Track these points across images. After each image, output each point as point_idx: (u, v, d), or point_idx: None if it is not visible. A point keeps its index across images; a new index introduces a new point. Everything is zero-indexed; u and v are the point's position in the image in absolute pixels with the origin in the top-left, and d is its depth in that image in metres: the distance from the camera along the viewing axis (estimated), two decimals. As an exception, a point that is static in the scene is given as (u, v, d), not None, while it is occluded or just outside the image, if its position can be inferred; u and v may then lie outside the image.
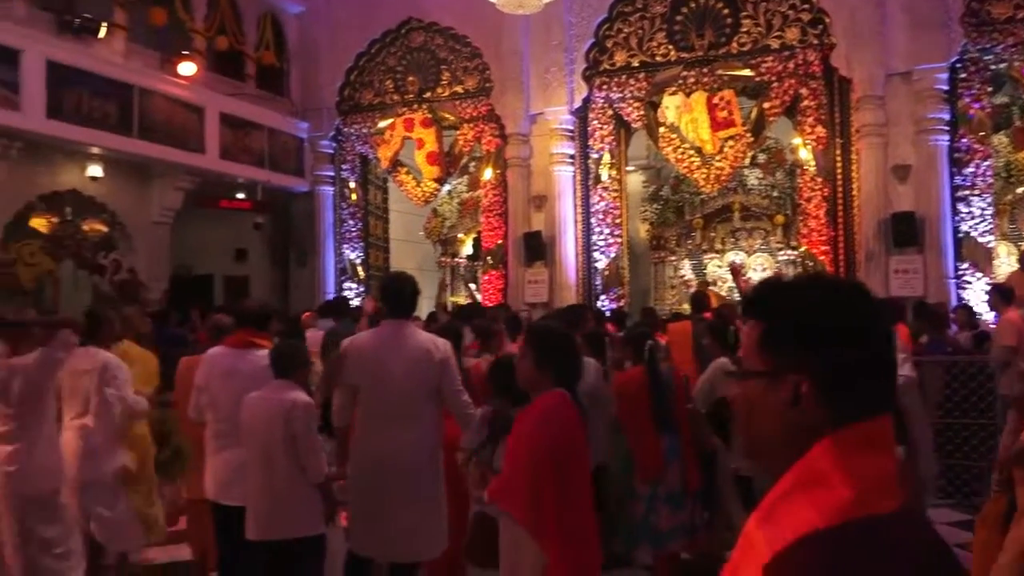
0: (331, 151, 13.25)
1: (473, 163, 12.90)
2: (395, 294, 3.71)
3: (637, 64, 11.37)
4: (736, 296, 10.63)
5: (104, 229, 10.92)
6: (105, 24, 9.96)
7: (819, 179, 10.44)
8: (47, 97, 8.98)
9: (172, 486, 5.58)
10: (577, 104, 11.60)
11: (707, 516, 4.81)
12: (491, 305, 10.35)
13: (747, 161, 11.45)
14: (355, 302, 12.30)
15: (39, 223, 10.17)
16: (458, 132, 12.46)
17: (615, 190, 11.53)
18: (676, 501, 4.38)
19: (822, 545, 0.87)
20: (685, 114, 10.80)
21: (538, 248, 11.55)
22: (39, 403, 3.69)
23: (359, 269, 13.29)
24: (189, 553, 4.78)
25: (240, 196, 12.53)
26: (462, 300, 13.38)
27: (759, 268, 11.87)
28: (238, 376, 3.76)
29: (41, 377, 3.66)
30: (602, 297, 11.37)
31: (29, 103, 8.80)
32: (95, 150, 10.11)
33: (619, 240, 11.54)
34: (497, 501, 2.72)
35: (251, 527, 3.45)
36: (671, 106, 10.91)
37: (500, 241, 12.09)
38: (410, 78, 12.65)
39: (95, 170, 10.42)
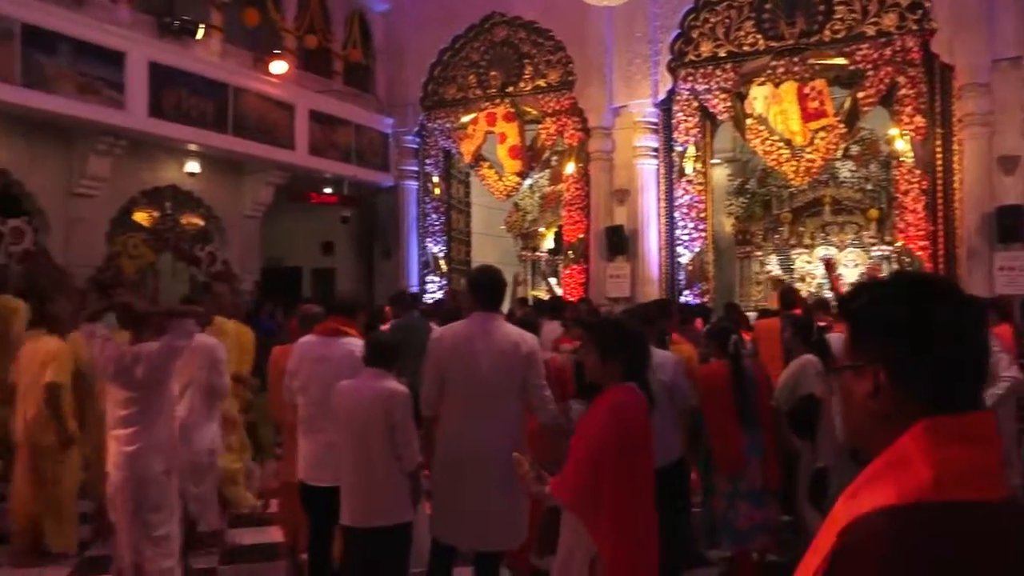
0: (415, 146, 13.46)
1: (555, 157, 12.88)
2: (484, 287, 3.73)
3: (724, 54, 11.11)
4: (826, 293, 10.30)
5: (200, 223, 11.40)
6: (203, 26, 10.39)
7: (917, 171, 9.98)
8: (149, 97, 9.43)
9: (262, 471, 5.78)
10: (661, 96, 11.42)
11: (789, 519, 4.69)
12: (572, 300, 10.30)
13: (839, 153, 11.06)
14: (437, 295, 12.52)
15: (141, 217, 10.70)
16: (540, 126, 12.46)
17: (700, 183, 11.31)
18: (756, 499, 4.29)
19: (891, 518, 0.92)
20: (774, 105, 10.50)
21: (620, 242, 11.45)
22: (159, 388, 3.84)
23: (441, 262, 13.47)
24: (280, 535, 4.93)
25: (327, 191, 12.86)
26: (542, 294, 13.39)
27: (851, 264, 11.45)
28: (328, 362, 3.88)
29: (164, 363, 3.81)
30: (686, 292, 11.18)
31: (133, 103, 9.25)
32: (193, 147, 10.56)
33: (703, 234, 11.32)
34: (556, 494, 2.73)
35: (347, 514, 3.52)
36: (759, 97, 10.62)
37: (581, 235, 12.04)
38: (492, 73, 12.71)
39: (192, 166, 10.88)
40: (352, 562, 3.60)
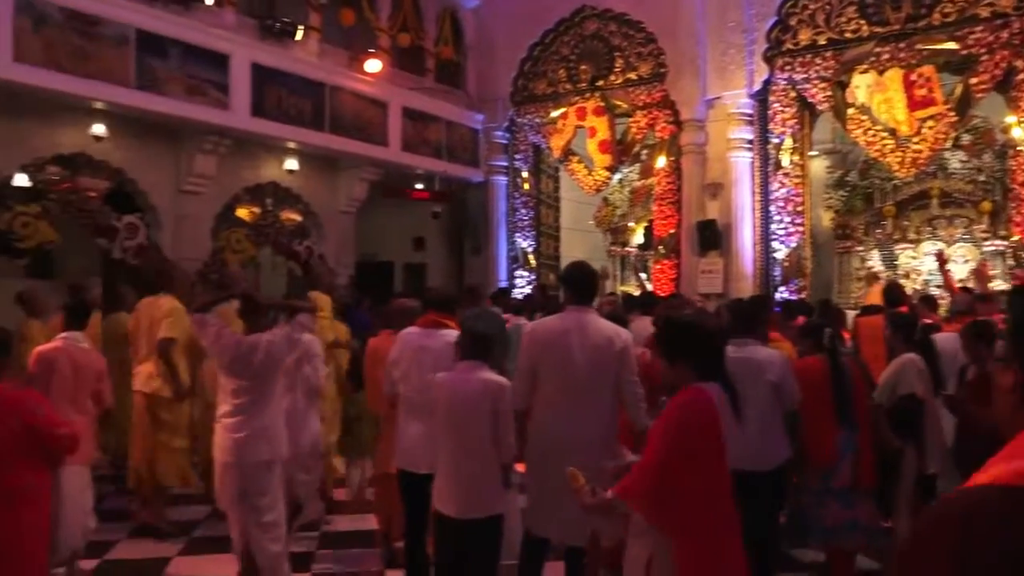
0: (505, 141, 13.53)
1: (645, 151, 12.72)
2: (577, 281, 3.77)
3: (824, 42, 10.69)
4: (934, 289, 9.80)
5: (298, 218, 11.78)
6: (301, 27, 10.73)
7: (1036, 161, 9.37)
8: (251, 97, 9.80)
9: (362, 460, 5.94)
10: (757, 87, 11.10)
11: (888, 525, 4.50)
12: (663, 295, 10.16)
13: (949, 143, 10.48)
14: (526, 290, 12.56)
15: (243, 213, 11.14)
16: (631, 119, 12.31)
17: (797, 176, 10.94)
18: (846, 497, 4.16)
19: (985, 493, 0.95)
20: (877, 93, 10.04)
21: (713, 237, 11.20)
22: (271, 378, 4.02)
23: (530, 257, 13.50)
24: (375, 523, 5.05)
25: (419, 186, 13.08)
26: (632, 290, 13.26)
27: (960, 260, 10.86)
28: (428, 352, 4.06)
29: (280, 354, 3.99)
30: (781, 289, 10.85)
31: (236, 103, 9.63)
32: (292, 144, 10.92)
33: (801, 229, 10.94)
34: (623, 497, 2.65)
35: (442, 503, 3.58)
36: (862, 85, 10.18)
37: (672, 230, 11.84)
38: (583, 66, 12.64)
39: (291, 163, 11.25)
40: (445, 551, 3.65)
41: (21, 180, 8.73)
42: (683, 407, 2.62)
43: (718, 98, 11.35)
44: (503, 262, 13.51)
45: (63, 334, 4.50)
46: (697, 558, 2.56)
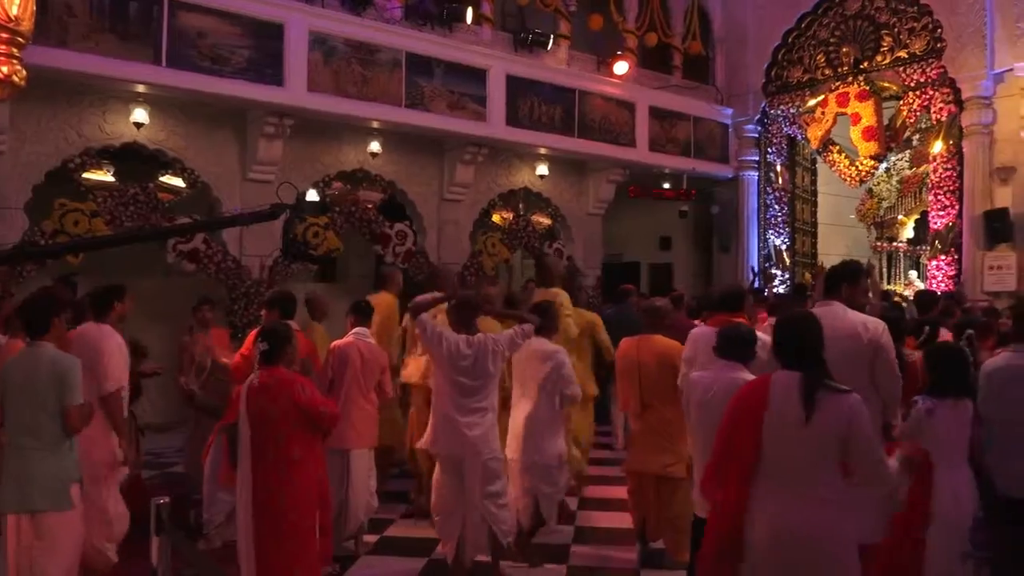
0: (756, 135, 12.97)
1: (918, 135, 11.56)
2: (827, 276, 3.83)
3: None
4: None
5: (548, 222, 12.17)
6: (552, 36, 11.09)
7: None
8: (506, 107, 10.31)
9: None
10: (1060, 54, 9.64)
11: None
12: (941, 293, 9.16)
13: None
14: (779, 289, 11.94)
15: (498, 218, 11.74)
16: (901, 102, 11.25)
17: (1115, 155, 9.35)
18: None
19: None
20: None
21: (1004, 228, 9.91)
22: (493, 379, 4.34)
23: (784, 255, 12.82)
24: (630, 521, 5.09)
25: (666, 185, 12.94)
26: (900, 288, 12.15)
27: None
28: None
29: (502, 355, 4.32)
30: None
31: (493, 114, 10.19)
32: (543, 151, 11.32)
33: (1120, 216, 9.34)
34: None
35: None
36: None
37: (952, 222, 10.63)
38: (844, 49, 11.76)
39: (542, 169, 11.66)
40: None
41: (312, 195, 9.91)
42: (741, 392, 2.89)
43: (1009, 70, 10.02)
44: (754, 260, 12.94)
45: (354, 330, 5.03)
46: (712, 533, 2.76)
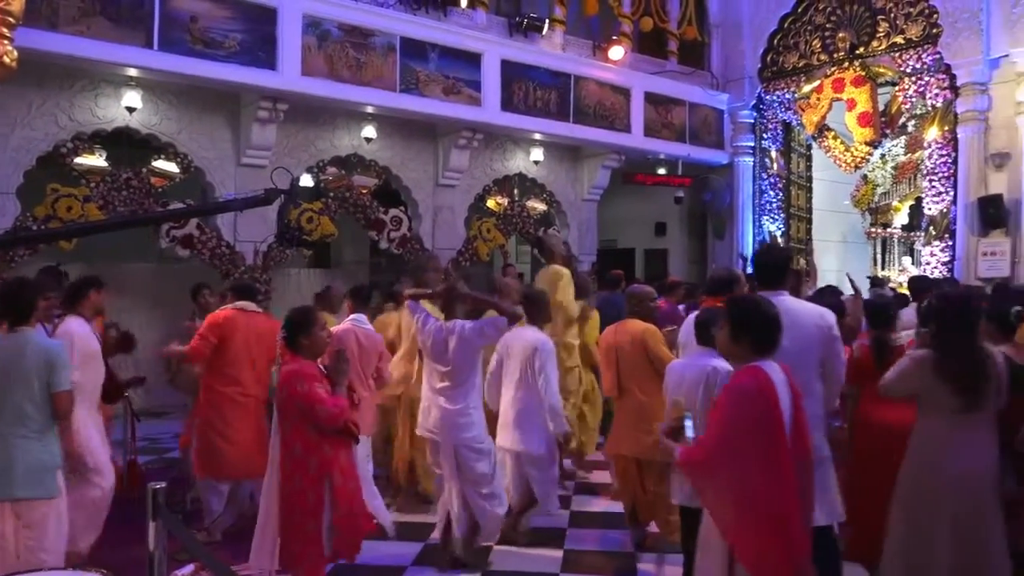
0: (752, 121, 12.94)
1: (913, 121, 11.54)
2: (763, 265, 3.62)
3: None
4: None
5: (542, 207, 12.14)
6: (547, 20, 11.02)
7: None
8: (501, 92, 10.25)
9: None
10: (1055, 40, 9.63)
11: None
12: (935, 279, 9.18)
13: None
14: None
15: (493, 204, 11.70)
16: (896, 88, 11.23)
17: (1110, 141, 9.36)
18: None
19: None
20: None
21: (998, 214, 9.92)
22: (463, 366, 4.34)
23: (779, 241, 12.82)
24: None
25: (661, 171, 12.92)
26: (893, 274, 12.18)
27: None
28: None
29: (470, 343, 4.31)
30: (1086, 273, 9.36)
31: (487, 99, 10.13)
32: (537, 136, 11.27)
33: (1114, 203, 9.36)
34: (678, 463, 2.77)
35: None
36: None
37: (946, 208, 10.65)
38: (840, 34, 11.72)
39: (537, 154, 11.63)
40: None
41: (306, 181, 9.87)
42: (734, 389, 2.64)
43: (1005, 56, 9.99)
44: (749, 246, 12.95)
45: (351, 316, 5.02)
46: (744, 542, 2.55)
